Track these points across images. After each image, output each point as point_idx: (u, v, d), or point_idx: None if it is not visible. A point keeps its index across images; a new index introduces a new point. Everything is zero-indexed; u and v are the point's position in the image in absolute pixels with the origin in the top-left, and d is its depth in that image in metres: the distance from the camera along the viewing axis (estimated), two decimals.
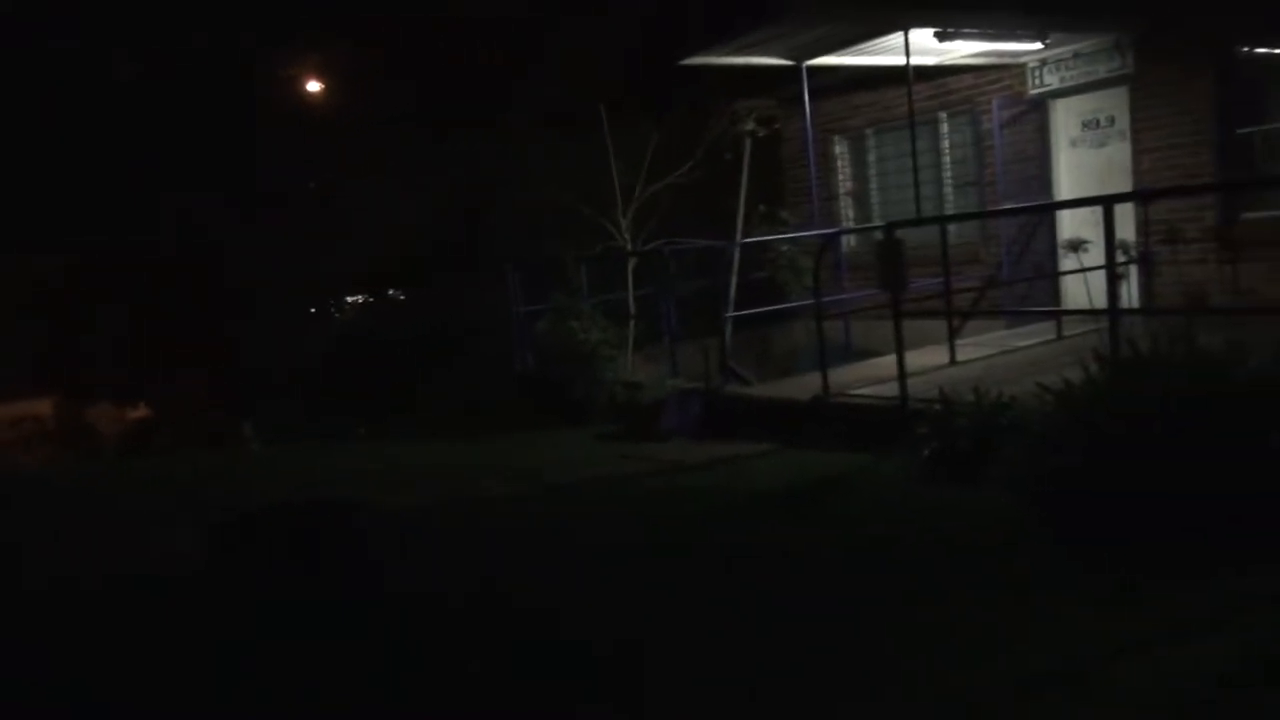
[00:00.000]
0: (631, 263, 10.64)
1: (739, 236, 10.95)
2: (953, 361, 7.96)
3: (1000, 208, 10.43)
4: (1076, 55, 9.84)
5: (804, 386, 7.68)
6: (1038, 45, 9.55)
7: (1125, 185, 9.51)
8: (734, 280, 10.53)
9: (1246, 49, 8.85)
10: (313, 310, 19.33)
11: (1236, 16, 8.63)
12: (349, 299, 20.10)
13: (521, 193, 11.86)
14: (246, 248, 15.96)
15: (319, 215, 16.68)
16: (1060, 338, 8.66)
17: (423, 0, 16.17)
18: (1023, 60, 10.22)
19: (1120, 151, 9.75)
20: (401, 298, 19.75)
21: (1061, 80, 10.07)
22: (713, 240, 10.79)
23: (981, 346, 8.73)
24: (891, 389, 6.62)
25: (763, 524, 5.30)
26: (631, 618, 4.04)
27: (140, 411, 11.93)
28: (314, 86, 17.87)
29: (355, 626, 4.24)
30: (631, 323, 10.27)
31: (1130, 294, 9.23)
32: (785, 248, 11.05)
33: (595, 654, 3.70)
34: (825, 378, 7.23)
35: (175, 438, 11.63)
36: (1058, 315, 9.21)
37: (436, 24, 15.85)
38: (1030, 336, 9.00)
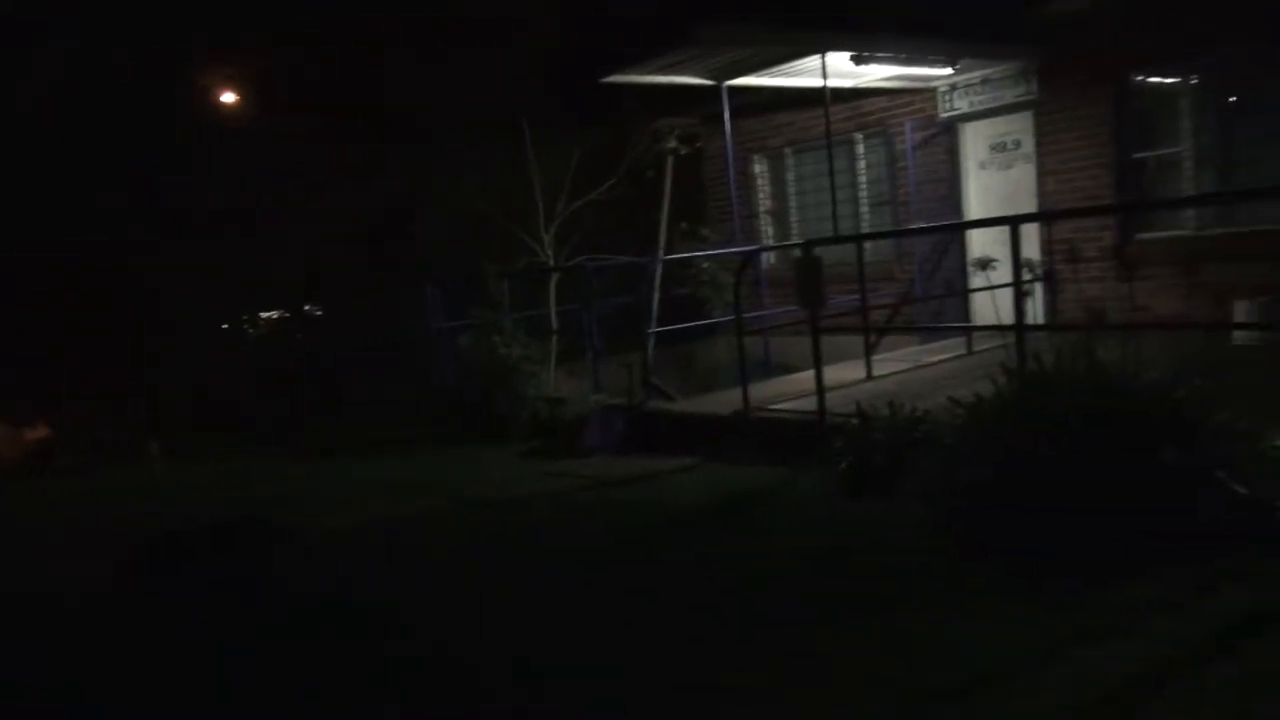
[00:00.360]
0: (554, 278, 10.63)
1: (661, 253, 11.03)
2: (869, 377, 8.15)
3: (913, 226, 10.75)
4: (985, 81, 10.22)
5: (725, 402, 7.76)
6: (948, 70, 9.90)
7: (1031, 206, 9.89)
8: (656, 296, 10.58)
9: (1140, 78, 9.31)
10: (225, 326, 18.78)
11: (1131, 47, 9.08)
12: (264, 315, 19.58)
13: (444, 208, 11.76)
14: (154, 261, 15.45)
15: (232, 229, 16.23)
16: (971, 353, 8.93)
17: (340, 12, 15.93)
18: (934, 84, 10.57)
19: (1026, 173, 10.14)
20: (319, 313, 19.33)
21: (971, 104, 10.44)
22: (635, 257, 10.85)
23: (897, 361, 8.95)
24: (810, 404, 6.74)
25: (725, 535, 5.39)
26: (618, 623, 4.11)
27: (40, 432, 11.40)
28: (228, 98, 17.40)
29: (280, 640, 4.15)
30: (554, 338, 10.25)
31: (1036, 310, 9.60)
32: (707, 265, 11.17)
33: (582, 660, 3.73)
34: (746, 393, 7.32)
35: (78, 457, 11.17)
36: (968, 331, 9.50)
37: (356, 36, 15.63)
38: (943, 352, 9.26)
